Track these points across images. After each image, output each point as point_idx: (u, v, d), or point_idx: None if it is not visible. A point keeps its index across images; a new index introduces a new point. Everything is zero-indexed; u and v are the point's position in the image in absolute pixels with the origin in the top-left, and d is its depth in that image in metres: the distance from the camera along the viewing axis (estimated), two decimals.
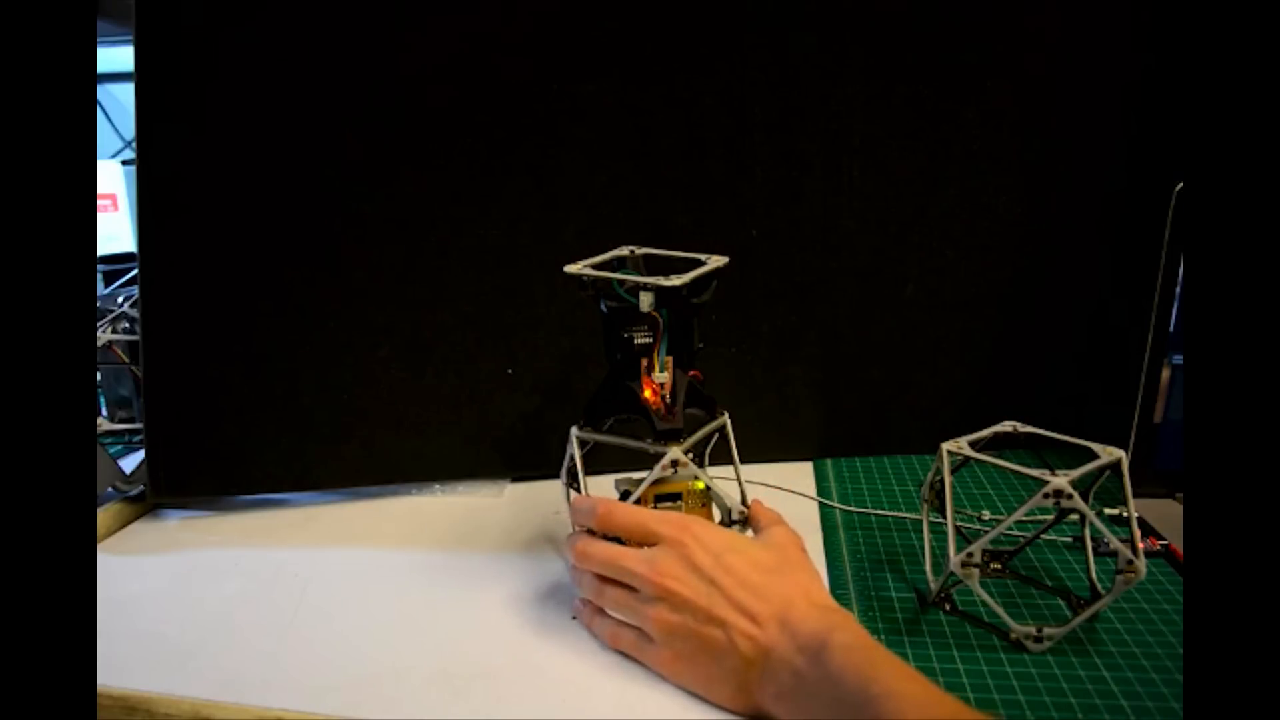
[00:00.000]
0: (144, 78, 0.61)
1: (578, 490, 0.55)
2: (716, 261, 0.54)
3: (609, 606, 0.49)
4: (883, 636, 0.50)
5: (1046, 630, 0.48)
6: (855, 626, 0.41)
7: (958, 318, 0.74)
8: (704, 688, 0.44)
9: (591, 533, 0.51)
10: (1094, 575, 0.52)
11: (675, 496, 0.53)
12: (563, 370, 0.70)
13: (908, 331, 0.74)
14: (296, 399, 0.67)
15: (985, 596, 0.48)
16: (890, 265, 0.72)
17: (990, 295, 0.74)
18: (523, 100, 0.65)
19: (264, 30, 0.62)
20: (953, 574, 0.49)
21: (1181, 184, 0.60)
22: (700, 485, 0.53)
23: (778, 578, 0.45)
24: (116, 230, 1.33)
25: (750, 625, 0.42)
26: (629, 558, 0.47)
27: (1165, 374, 0.65)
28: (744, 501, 0.54)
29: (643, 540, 0.48)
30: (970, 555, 0.48)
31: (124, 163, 1.39)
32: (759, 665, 0.42)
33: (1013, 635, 0.48)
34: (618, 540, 0.50)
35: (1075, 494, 0.47)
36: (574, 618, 0.52)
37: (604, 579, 0.49)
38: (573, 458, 0.55)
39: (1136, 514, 0.49)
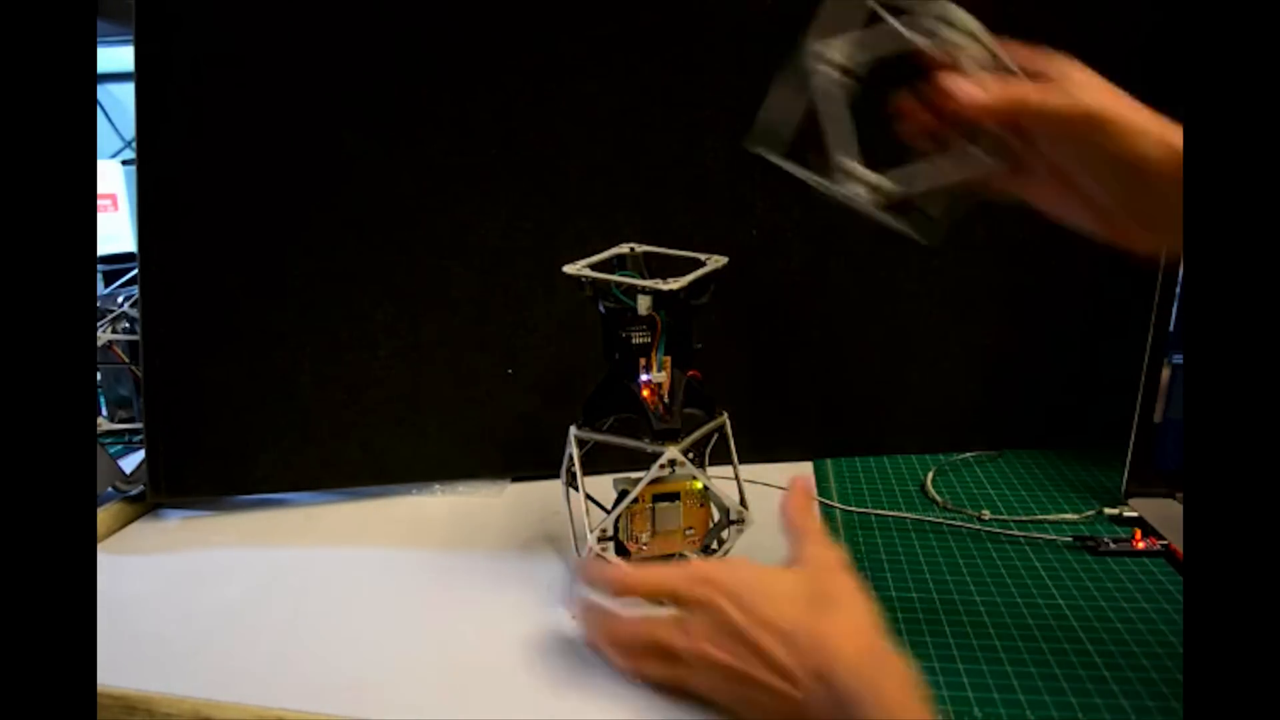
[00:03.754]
0: (144, 78, 0.61)
1: (576, 490, 0.55)
2: (715, 262, 0.54)
3: (654, 679, 0.45)
4: None
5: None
6: (891, 681, 0.38)
7: (958, 318, 0.74)
8: None
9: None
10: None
11: (673, 496, 0.53)
12: (563, 370, 0.70)
13: (908, 331, 0.74)
14: (296, 399, 0.67)
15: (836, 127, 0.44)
16: (890, 265, 0.72)
17: (990, 295, 0.74)
18: (523, 100, 0.65)
19: (263, 30, 0.62)
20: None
21: None
22: (698, 485, 0.53)
23: (815, 617, 0.41)
24: (116, 230, 1.33)
25: (786, 686, 0.39)
26: (661, 629, 0.44)
27: (1165, 374, 0.65)
28: (742, 501, 0.54)
29: (668, 601, 0.45)
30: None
31: (124, 163, 1.39)
32: None
33: None
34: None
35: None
36: (573, 616, 0.52)
37: (634, 649, 0.46)
38: (571, 457, 0.55)
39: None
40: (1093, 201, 0.43)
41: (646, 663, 0.45)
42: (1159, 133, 0.38)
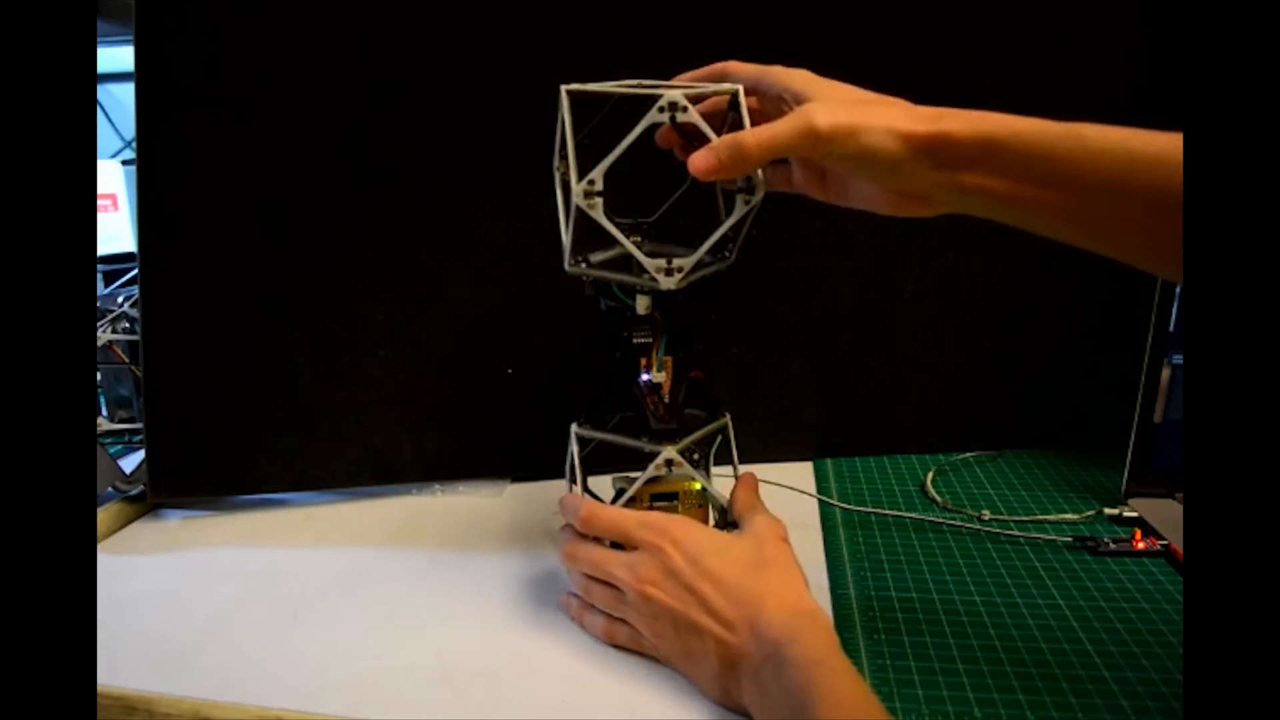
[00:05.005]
0: (144, 78, 0.61)
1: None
2: (717, 266, 0.53)
3: (597, 604, 0.50)
4: (882, 636, 0.50)
5: (676, 262, 0.47)
6: (812, 637, 0.41)
7: (958, 318, 0.74)
8: (697, 684, 0.45)
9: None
10: None
11: (672, 496, 0.53)
12: (563, 370, 0.70)
13: (908, 331, 0.74)
14: (297, 399, 0.67)
15: (612, 228, 0.47)
16: (890, 265, 0.72)
17: (990, 295, 0.74)
18: (522, 100, 0.65)
19: (264, 31, 0.62)
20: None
21: None
22: (697, 486, 0.53)
23: (754, 577, 0.45)
24: (116, 230, 1.33)
25: (724, 631, 0.43)
26: (612, 562, 0.48)
27: (1165, 374, 0.65)
28: None
29: (624, 544, 0.49)
30: (591, 183, 0.47)
31: (124, 163, 1.39)
32: (734, 670, 0.42)
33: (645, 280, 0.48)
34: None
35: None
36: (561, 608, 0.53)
37: (592, 577, 0.50)
38: (573, 456, 0.55)
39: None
40: (857, 189, 0.46)
41: (595, 589, 0.49)
42: (882, 124, 0.41)
